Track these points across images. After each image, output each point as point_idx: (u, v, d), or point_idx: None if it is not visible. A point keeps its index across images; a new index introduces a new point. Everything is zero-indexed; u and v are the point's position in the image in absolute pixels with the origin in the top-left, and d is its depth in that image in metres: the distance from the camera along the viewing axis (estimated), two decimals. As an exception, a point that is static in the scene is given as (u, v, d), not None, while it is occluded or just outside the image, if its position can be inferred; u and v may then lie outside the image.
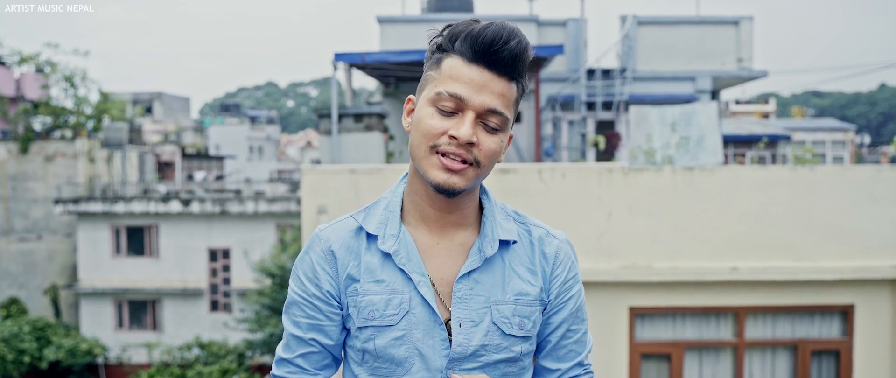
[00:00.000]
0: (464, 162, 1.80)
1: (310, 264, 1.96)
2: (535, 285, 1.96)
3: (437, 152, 1.80)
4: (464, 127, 1.77)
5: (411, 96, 1.95)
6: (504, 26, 1.77)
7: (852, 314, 8.43)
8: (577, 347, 2.05)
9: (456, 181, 1.81)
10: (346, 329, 1.98)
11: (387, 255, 1.91)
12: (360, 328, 1.91)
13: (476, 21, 1.83)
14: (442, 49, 1.85)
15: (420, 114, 1.84)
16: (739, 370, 8.48)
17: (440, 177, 1.80)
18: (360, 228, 1.95)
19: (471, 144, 1.79)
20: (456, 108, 1.79)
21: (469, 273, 1.91)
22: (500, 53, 1.77)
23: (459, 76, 1.79)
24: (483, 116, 1.80)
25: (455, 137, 1.77)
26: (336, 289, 1.93)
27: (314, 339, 1.96)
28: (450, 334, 1.90)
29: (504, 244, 1.96)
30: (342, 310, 1.95)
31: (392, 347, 1.89)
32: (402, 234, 1.92)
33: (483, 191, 2.01)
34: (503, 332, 1.91)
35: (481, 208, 2.00)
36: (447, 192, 1.83)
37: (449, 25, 1.87)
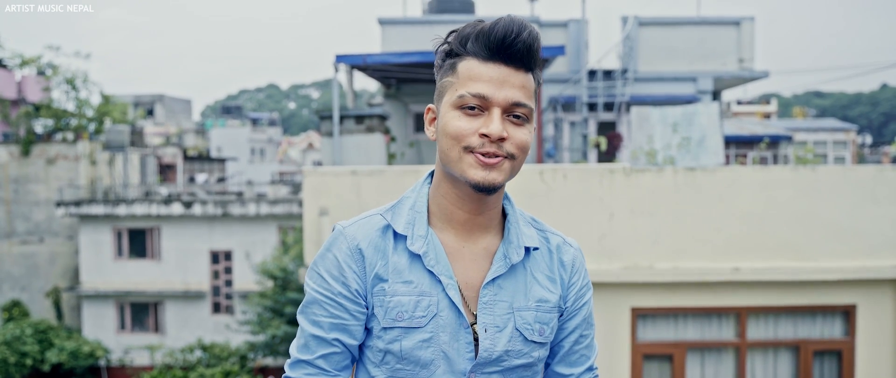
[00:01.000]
0: (497, 156, 1.80)
1: (335, 262, 1.92)
2: (554, 292, 1.99)
3: (472, 152, 1.80)
4: (493, 124, 1.78)
5: (431, 105, 1.95)
6: (513, 20, 1.79)
7: (854, 314, 8.43)
8: (587, 352, 2.09)
9: (495, 176, 1.81)
10: (366, 329, 1.96)
11: (415, 256, 1.90)
12: (385, 329, 1.89)
13: (481, 21, 1.84)
14: (453, 54, 1.86)
15: (445, 119, 1.84)
16: (741, 371, 8.48)
17: (479, 175, 1.80)
18: (388, 226, 1.94)
19: (502, 139, 1.79)
20: (481, 107, 1.80)
21: (494, 279, 1.92)
22: (514, 47, 1.78)
23: (479, 76, 1.80)
24: (508, 111, 1.81)
25: (486, 135, 1.78)
26: (363, 288, 1.91)
27: (338, 340, 1.91)
28: (475, 338, 1.90)
29: (526, 251, 1.98)
30: (368, 309, 1.92)
31: (419, 349, 1.88)
32: (430, 235, 1.92)
33: (506, 196, 2.01)
34: (525, 338, 1.93)
35: (505, 213, 2.01)
36: (487, 189, 1.82)
37: (453, 31, 1.87)
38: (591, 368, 2.09)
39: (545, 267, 2.00)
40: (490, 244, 1.96)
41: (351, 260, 1.91)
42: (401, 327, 1.88)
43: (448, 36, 1.88)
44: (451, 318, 1.88)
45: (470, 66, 1.81)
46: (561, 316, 2.02)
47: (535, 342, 1.94)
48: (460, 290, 1.91)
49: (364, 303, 1.92)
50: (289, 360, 1.98)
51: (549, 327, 1.97)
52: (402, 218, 1.94)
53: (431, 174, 2.00)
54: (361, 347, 1.98)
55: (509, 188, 2.02)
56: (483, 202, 1.90)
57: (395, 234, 1.93)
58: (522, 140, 1.82)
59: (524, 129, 1.83)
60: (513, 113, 1.81)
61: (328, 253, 1.94)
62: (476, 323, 1.90)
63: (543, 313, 1.95)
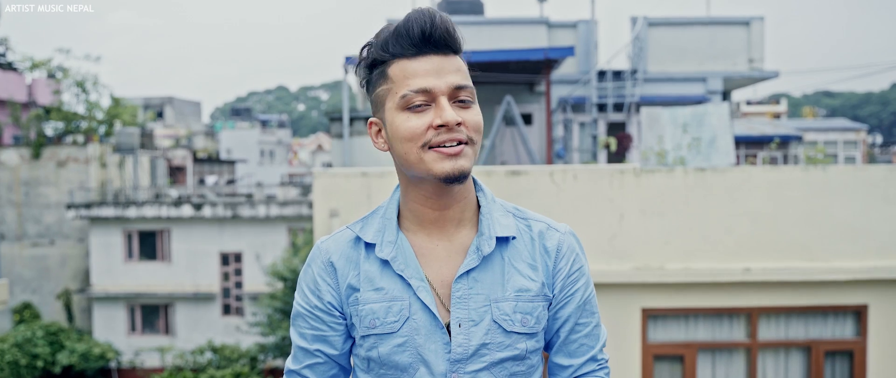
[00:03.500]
0: (459, 143, 1.80)
1: (311, 277, 1.98)
2: (536, 280, 1.94)
3: (430, 148, 1.79)
4: (445, 111, 1.78)
5: (372, 120, 1.93)
6: (422, 11, 1.79)
7: (866, 314, 8.40)
8: (588, 341, 2.02)
9: (462, 164, 1.80)
10: (351, 338, 1.99)
11: (385, 263, 1.91)
12: (363, 337, 1.92)
13: (390, 23, 1.85)
14: (378, 62, 1.85)
15: (395, 124, 1.83)
16: (753, 371, 8.46)
17: (446, 166, 1.79)
18: (358, 238, 1.96)
19: (459, 124, 1.79)
20: (426, 100, 1.79)
21: (467, 272, 1.90)
22: (435, 35, 1.79)
23: (414, 72, 1.79)
24: (453, 96, 1.81)
25: (443, 124, 1.77)
26: (338, 299, 1.95)
27: (319, 350, 1.98)
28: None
29: (503, 241, 1.95)
30: (345, 320, 1.96)
31: (395, 354, 1.89)
32: (400, 240, 1.92)
33: (479, 188, 2.00)
34: (505, 330, 1.90)
35: (479, 206, 1.99)
36: (457, 179, 1.81)
37: (367, 44, 1.88)
38: (594, 359, 2.03)
39: (527, 255, 1.96)
40: (465, 239, 1.94)
41: (325, 273, 1.96)
42: (375, 334, 1.90)
43: (362, 50, 1.89)
44: (425, 320, 1.88)
45: (402, 67, 1.81)
46: (551, 305, 1.98)
47: (517, 333, 1.91)
48: (434, 290, 1.90)
49: (340, 314, 1.96)
50: (285, 370, 2.06)
51: (535, 317, 1.93)
52: (372, 227, 1.96)
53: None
54: (352, 355, 2.03)
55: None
56: (451, 196, 1.89)
57: (366, 244, 1.94)
58: (475, 121, 1.83)
59: (473, 110, 1.84)
60: (458, 98, 1.81)
61: (308, 268, 2.00)
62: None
63: (524, 303, 1.92)
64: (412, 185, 1.90)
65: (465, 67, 1.85)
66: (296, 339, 2.00)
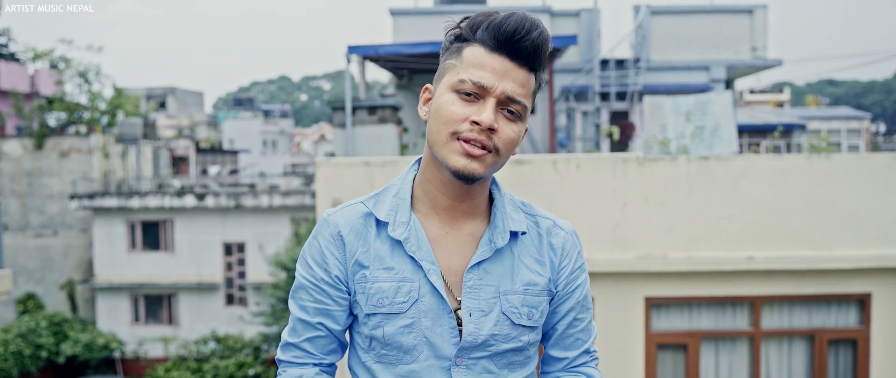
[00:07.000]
0: (483, 148, 1.80)
1: (318, 249, 1.96)
2: (542, 275, 1.97)
3: (459, 139, 1.80)
4: (486, 112, 1.78)
5: (428, 85, 1.94)
6: (526, 17, 1.78)
7: (869, 303, 8.40)
8: (583, 336, 2.06)
9: (476, 167, 1.81)
10: (352, 315, 1.98)
11: (397, 243, 1.91)
12: (368, 315, 1.91)
13: (496, 12, 1.84)
14: (462, 38, 1.85)
15: (441, 101, 1.84)
16: (756, 360, 8.46)
17: (460, 162, 1.80)
18: (370, 214, 1.95)
19: (492, 130, 1.79)
20: (477, 95, 1.80)
21: (479, 263, 1.92)
22: (522, 43, 1.78)
23: (482, 64, 1.79)
24: (503, 104, 1.80)
25: (477, 123, 1.78)
26: (344, 274, 1.93)
27: (321, 324, 1.96)
28: (459, 324, 1.90)
29: (513, 235, 1.97)
30: (350, 295, 1.95)
31: (400, 335, 1.89)
32: (413, 221, 1.92)
33: (493, 181, 2.01)
34: (512, 322, 1.92)
35: (491, 199, 2.00)
36: (466, 178, 1.82)
37: (467, 17, 1.87)
38: (587, 352, 2.08)
39: (534, 250, 1.99)
40: (475, 230, 1.95)
41: (332, 246, 1.94)
42: (382, 313, 1.89)
43: (461, 21, 1.88)
44: (433, 304, 1.89)
45: (475, 54, 1.81)
46: (552, 299, 2.01)
47: (523, 326, 1.93)
48: (443, 276, 1.91)
49: (346, 289, 1.94)
50: (281, 343, 2.03)
51: (539, 311, 1.96)
52: (385, 205, 1.95)
53: (418, 161, 2.01)
54: (352, 332, 2.02)
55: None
56: (466, 190, 1.90)
57: (378, 221, 1.94)
58: (510, 137, 1.82)
59: (515, 126, 1.83)
60: (507, 107, 1.81)
61: (314, 240, 1.98)
62: (461, 308, 1.90)
63: (531, 297, 1.94)
64: (433, 165, 1.90)
65: (532, 85, 1.85)
66: (296, 311, 1.98)
